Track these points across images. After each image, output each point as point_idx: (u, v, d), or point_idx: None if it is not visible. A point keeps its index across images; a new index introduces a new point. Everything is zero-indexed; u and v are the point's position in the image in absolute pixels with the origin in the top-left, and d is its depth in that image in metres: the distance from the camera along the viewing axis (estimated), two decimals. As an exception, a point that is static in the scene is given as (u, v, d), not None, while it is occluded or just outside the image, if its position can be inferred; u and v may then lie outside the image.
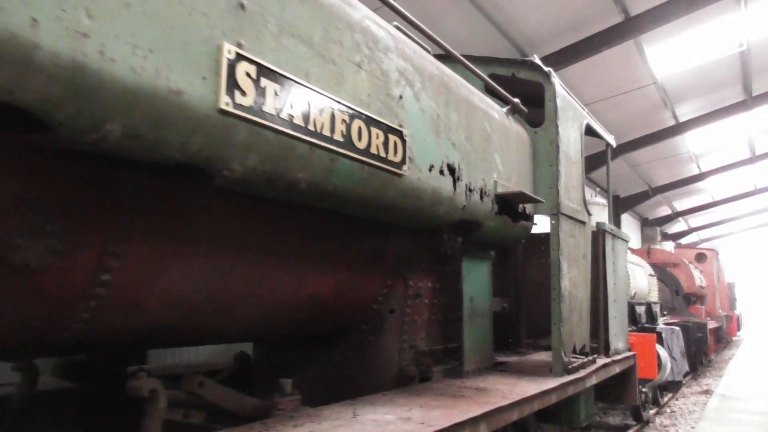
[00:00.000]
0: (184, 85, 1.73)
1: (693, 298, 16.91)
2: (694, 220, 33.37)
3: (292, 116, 2.14)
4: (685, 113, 16.05)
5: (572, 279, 4.67)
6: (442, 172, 3.21)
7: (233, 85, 1.89)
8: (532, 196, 3.92)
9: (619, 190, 22.90)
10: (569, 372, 4.39)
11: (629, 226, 25.19)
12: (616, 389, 6.51)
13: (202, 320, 2.64)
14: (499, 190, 3.84)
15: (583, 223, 5.06)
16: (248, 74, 1.95)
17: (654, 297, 12.18)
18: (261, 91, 2.00)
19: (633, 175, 21.20)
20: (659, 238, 19.50)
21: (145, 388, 2.11)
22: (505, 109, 4.27)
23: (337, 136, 2.37)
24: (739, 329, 30.58)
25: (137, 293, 2.22)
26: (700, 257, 18.86)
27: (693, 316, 15.35)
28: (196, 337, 2.92)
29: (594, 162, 17.07)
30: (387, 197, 2.82)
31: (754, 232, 39.43)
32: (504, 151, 4.05)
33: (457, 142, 3.39)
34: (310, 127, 2.23)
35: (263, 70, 2.01)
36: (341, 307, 3.58)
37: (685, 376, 11.56)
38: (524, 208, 4.30)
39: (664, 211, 28.88)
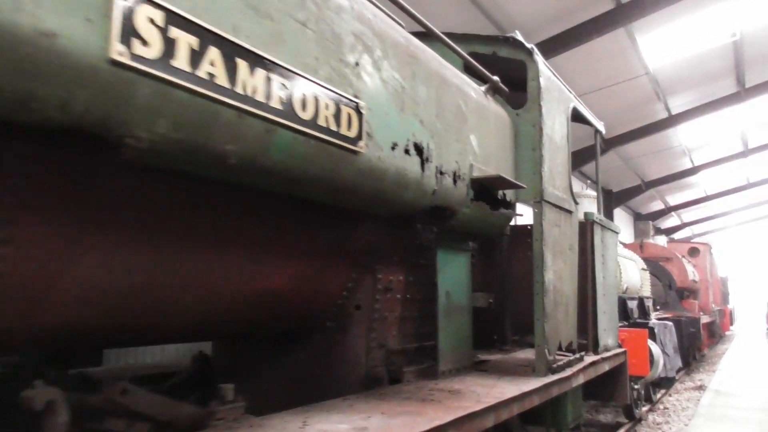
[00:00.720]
0: (58, 26, 1.40)
1: (686, 292, 16.67)
2: (687, 215, 33.19)
3: (214, 76, 1.80)
4: (677, 105, 15.78)
5: (557, 271, 4.36)
6: (407, 152, 2.88)
7: (130, 31, 1.55)
8: (512, 180, 3.59)
9: (611, 184, 22.66)
10: (554, 371, 4.08)
11: (622, 220, 24.97)
12: (607, 387, 6.22)
13: (127, 318, 2.30)
14: (476, 174, 3.52)
15: (570, 212, 4.74)
16: (152, 20, 1.61)
17: (646, 291, 11.91)
18: (170, 43, 1.67)
19: (626, 168, 20.95)
20: (652, 232, 19.27)
21: (40, 399, 1.77)
22: (483, 88, 3.95)
23: (275, 104, 2.04)
24: (732, 324, 30.47)
25: (36, 287, 1.88)
26: (693, 251, 18.64)
27: (686, 311, 15.11)
28: (126, 337, 2.58)
29: (585, 155, 16.82)
30: (341, 177, 2.50)
31: (747, 227, 39.33)
32: (481, 133, 3.73)
33: (425, 119, 3.06)
34: (239, 90, 1.89)
35: (174, 18, 1.68)
36: (300, 303, 3.25)
37: (678, 371, 11.30)
38: (504, 194, 3.98)
39: (657, 205, 28.68)
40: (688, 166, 22.13)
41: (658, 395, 10.81)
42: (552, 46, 10.04)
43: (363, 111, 2.52)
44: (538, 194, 4.10)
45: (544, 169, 4.16)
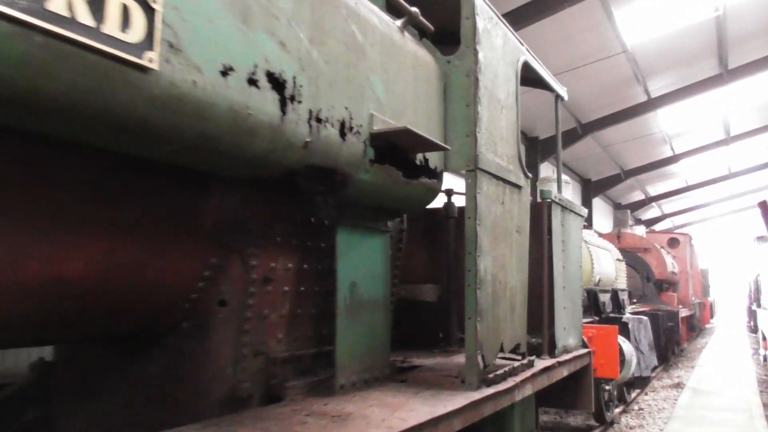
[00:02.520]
0: None
1: (665, 284, 16.03)
2: (668, 206, 32.69)
3: None
4: (657, 88, 15.05)
5: (498, 258, 3.53)
6: (254, 83, 2.01)
7: None
8: (424, 136, 2.72)
9: (590, 173, 21.97)
10: (490, 383, 3.25)
11: (601, 210, 24.33)
12: (569, 392, 5.43)
13: None
14: (377, 127, 2.65)
15: (518, 187, 3.91)
16: None
17: (622, 284, 11.19)
18: None
19: (604, 156, 20.24)
20: (631, 222, 18.60)
21: None
22: (399, 22, 3.08)
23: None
24: (712, 316, 30.09)
25: None
26: (673, 242, 18.00)
27: (665, 304, 14.45)
28: None
29: (562, 141, 16.04)
30: (120, 107, 1.62)
31: (728, 218, 39.00)
32: (391, 77, 2.86)
33: (290, 43, 2.19)
34: None
35: None
36: (134, 296, 2.38)
37: (653, 370, 10.59)
38: (425, 159, 3.12)
39: (638, 196, 28.08)
40: (669, 154, 21.48)
41: (633, 395, 10.10)
42: (523, 14, 9.19)
43: (157, 6, 1.65)
44: (471, 161, 3.25)
45: (480, 130, 3.31)
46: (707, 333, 26.38)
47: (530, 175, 4.13)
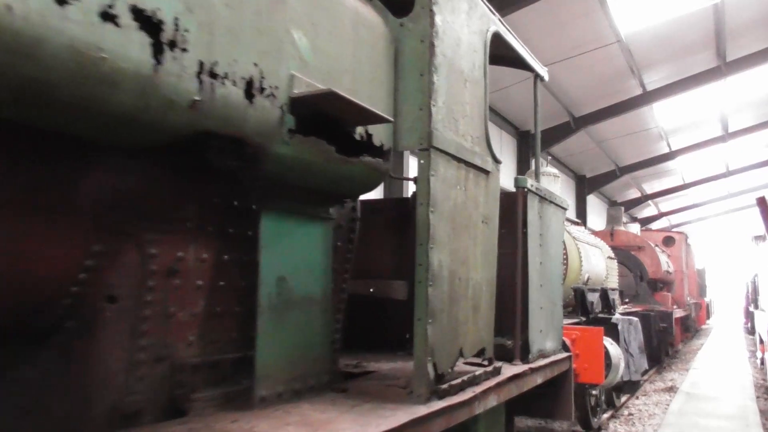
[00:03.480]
0: None
1: (659, 284, 15.62)
2: (665, 205, 32.28)
3: None
4: (653, 81, 14.60)
5: (459, 252, 3.09)
6: (111, 19, 1.57)
7: None
8: (358, 103, 2.27)
9: (584, 169, 21.54)
10: (443, 394, 2.81)
11: (596, 208, 23.91)
12: (547, 400, 5.00)
13: None
14: (298, 90, 2.21)
15: (485, 172, 3.47)
16: None
17: (613, 283, 10.76)
18: None
19: (599, 152, 19.80)
20: (625, 219, 18.19)
21: None
22: (337, -27, 2.63)
23: None
24: (708, 317, 29.70)
25: None
26: (668, 241, 17.58)
27: (658, 304, 14.02)
28: None
29: (553, 136, 15.65)
30: None
31: (726, 218, 38.59)
32: (321, 34, 2.42)
33: (172, -26, 1.75)
34: None
35: None
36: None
37: (644, 373, 10.17)
38: (368, 134, 2.68)
39: (634, 193, 27.66)
40: (665, 150, 21.04)
41: (623, 399, 9.68)
42: (507, 0, 8.73)
43: None
44: (424, 138, 2.81)
45: (436, 104, 2.87)
46: (703, 334, 25.99)
47: (500, 160, 3.68)
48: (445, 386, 2.85)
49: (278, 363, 2.57)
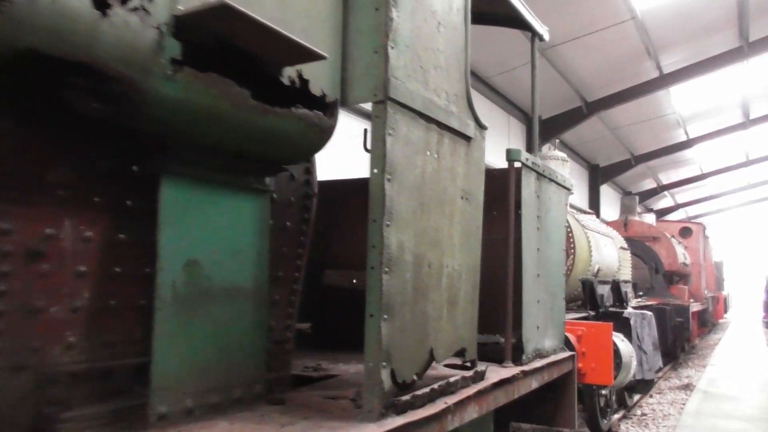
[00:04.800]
0: None
1: (676, 277, 14.89)
2: (681, 196, 31.33)
3: None
4: (670, 63, 13.84)
5: (427, 232, 2.52)
6: None
7: None
8: (267, 24, 1.69)
9: (598, 157, 20.79)
10: (402, 408, 2.25)
11: (610, 199, 23.14)
12: (548, 405, 4.43)
13: None
14: (185, 7, 1.64)
15: (466, 138, 2.89)
16: None
17: (626, 275, 10.11)
18: None
19: (613, 140, 19.04)
20: (640, 209, 17.46)
21: None
22: None
23: None
24: (726, 311, 28.83)
25: None
26: (685, 231, 16.81)
27: (674, 298, 13.34)
28: None
29: (562, 121, 14.96)
30: None
31: (746, 209, 37.50)
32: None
33: None
34: None
35: None
36: None
37: (658, 371, 9.54)
38: (302, 79, 2.10)
39: (649, 184, 26.80)
40: (683, 138, 20.21)
41: (636, 398, 9.07)
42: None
43: None
44: (379, 88, 2.23)
45: (396, 45, 2.29)
46: (721, 328, 25.18)
47: (486, 125, 3.09)
48: (406, 398, 2.28)
49: (186, 370, 2.02)
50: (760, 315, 30.99)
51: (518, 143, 15.07)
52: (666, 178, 26.30)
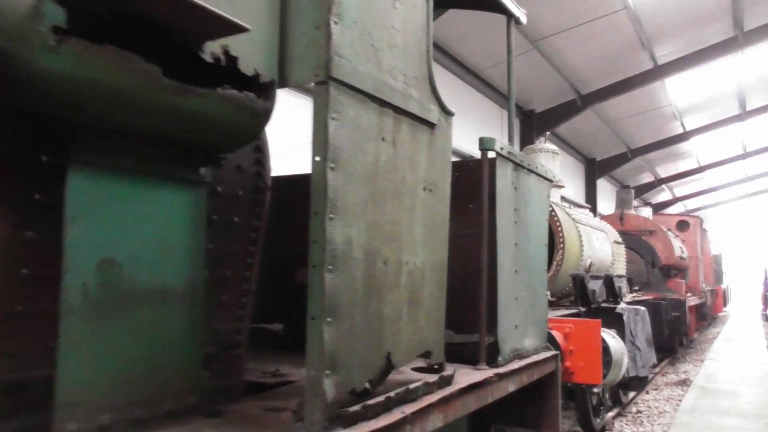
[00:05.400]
0: None
1: (673, 270, 14.69)
2: (680, 189, 31.11)
3: None
4: (665, 54, 13.61)
5: (382, 226, 2.31)
6: None
7: None
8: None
9: (594, 151, 20.56)
10: (351, 420, 2.04)
11: (608, 193, 22.92)
12: (531, 407, 4.22)
13: None
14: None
15: (429, 125, 2.67)
16: None
17: (620, 269, 9.91)
18: None
19: (609, 133, 18.81)
20: (636, 203, 17.24)
21: None
22: None
23: None
24: (725, 304, 28.63)
25: None
26: (682, 225, 16.59)
27: (671, 292, 13.13)
28: None
29: (559, 114, 14.75)
30: None
31: (743, 202, 37.27)
32: None
33: None
34: None
35: None
36: None
37: (653, 368, 9.34)
38: (229, 56, 1.88)
39: (647, 177, 26.57)
40: (679, 131, 19.98)
41: (630, 395, 8.87)
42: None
43: None
44: (321, 67, 2.01)
45: (341, 20, 2.07)
46: (720, 322, 24.98)
47: (452, 111, 2.88)
48: (356, 408, 2.07)
49: (101, 383, 1.81)
50: (759, 308, 30.81)
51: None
52: (664, 171, 26.07)
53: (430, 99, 2.71)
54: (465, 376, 2.96)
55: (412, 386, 2.42)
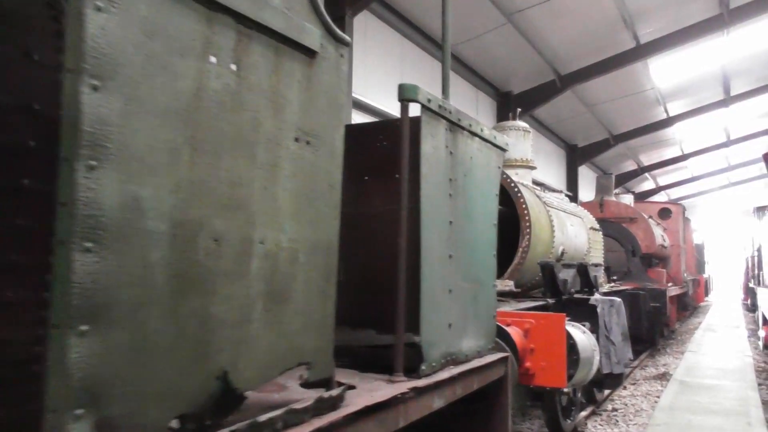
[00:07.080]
0: None
1: (654, 259, 14.11)
2: (663, 178, 30.62)
3: None
4: (648, 33, 12.92)
5: (211, 188, 1.56)
6: None
7: None
8: None
9: (576, 137, 19.90)
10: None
11: (589, 180, 22.30)
12: (479, 417, 3.52)
13: None
14: None
15: (308, 53, 1.92)
16: None
17: (597, 258, 9.25)
18: None
19: (590, 118, 18.13)
20: (617, 190, 16.65)
21: None
22: None
23: None
24: (707, 294, 28.28)
25: None
26: (664, 213, 16.01)
27: (651, 281, 12.55)
28: None
29: (538, 96, 14.10)
30: None
31: (725, 192, 36.95)
32: None
33: None
34: None
35: None
36: None
37: (631, 361, 8.71)
38: None
39: (630, 165, 26.00)
40: (663, 116, 19.36)
41: (605, 393, 8.24)
42: None
43: None
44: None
45: None
46: (701, 312, 24.60)
47: (347, 38, 2.13)
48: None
49: None
50: (740, 297, 30.54)
51: (488, 119, 14.12)
52: (647, 159, 25.52)
53: (310, 17, 1.96)
54: (367, 393, 2.23)
55: (262, 419, 1.67)
